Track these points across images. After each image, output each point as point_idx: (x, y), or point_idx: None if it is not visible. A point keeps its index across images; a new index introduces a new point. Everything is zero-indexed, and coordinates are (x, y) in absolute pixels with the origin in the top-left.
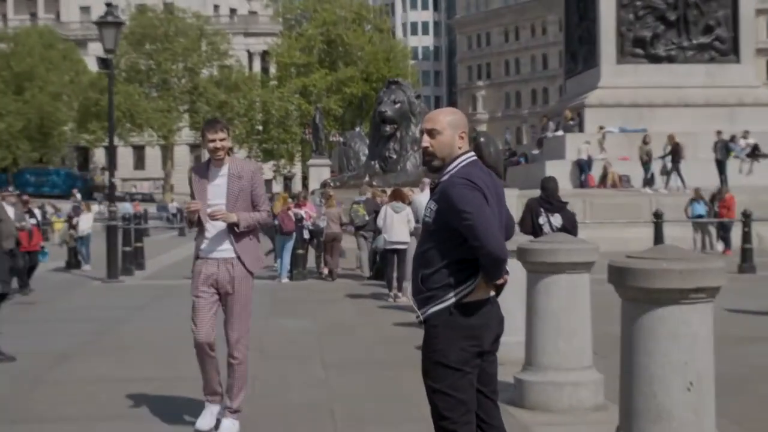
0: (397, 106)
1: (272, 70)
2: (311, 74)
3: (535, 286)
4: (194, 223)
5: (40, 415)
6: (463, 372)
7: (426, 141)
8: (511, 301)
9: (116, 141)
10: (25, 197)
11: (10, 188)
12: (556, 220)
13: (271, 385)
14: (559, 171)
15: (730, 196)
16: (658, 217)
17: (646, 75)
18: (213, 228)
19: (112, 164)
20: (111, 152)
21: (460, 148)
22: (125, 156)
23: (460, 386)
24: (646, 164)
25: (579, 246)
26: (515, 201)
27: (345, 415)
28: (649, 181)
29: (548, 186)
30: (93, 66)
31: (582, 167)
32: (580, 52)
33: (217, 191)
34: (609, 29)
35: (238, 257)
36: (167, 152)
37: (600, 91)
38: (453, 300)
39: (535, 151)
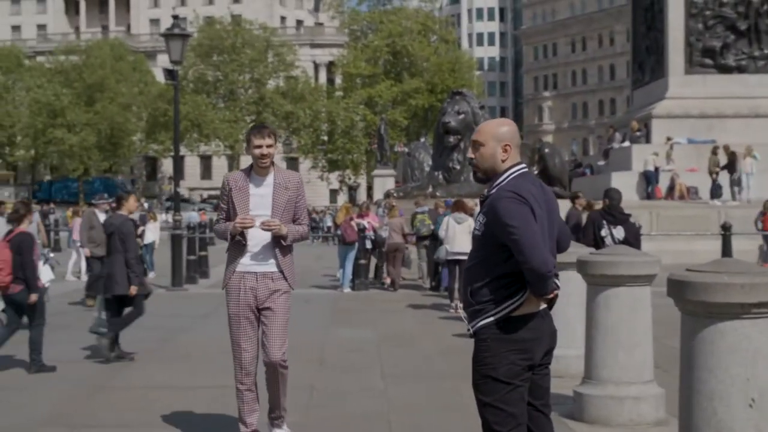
0: (461, 116)
1: (338, 81)
2: (376, 85)
3: (595, 299)
4: (235, 236)
5: (99, 421)
6: (513, 385)
7: (471, 152)
8: (571, 313)
9: (183, 151)
10: (114, 205)
11: (104, 196)
12: (619, 232)
13: (329, 395)
14: (626, 182)
15: None
16: (726, 230)
17: (715, 85)
18: (254, 239)
19: (177, 173)
20: (177, 162)
21: (503, 161)
22: (192, 165)
23: (509, 400)
24: (714, 176)
25: (640, 258)
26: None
27: (402, 426)
28: (716, 193)
29: (613, 197)
30: (161, 77)
31: (649, 179)
32: (648, 63)
33: (260, 202)
34: (677, 39)
35: (281, 271)
36: (233, 162)
37: (668, 101)
38: (502, 313)
39: (601, 162)
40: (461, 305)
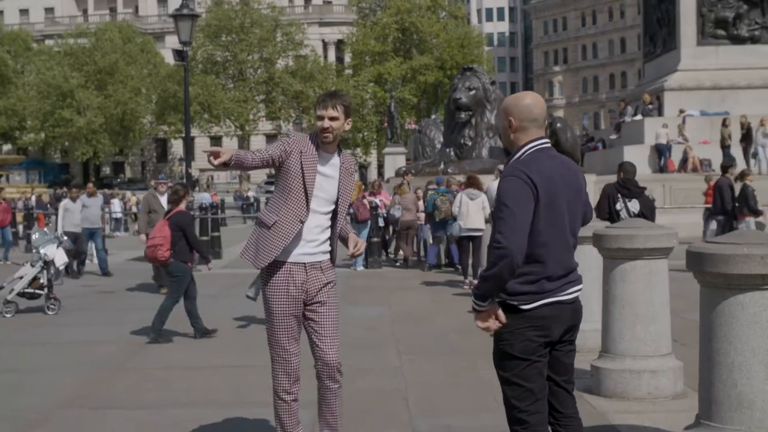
0: (472, 92)
1: (347, 59)
2: (386, 63)
3: (611, 273)
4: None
5: (118, 403)
6: (530, 361)
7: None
8: (588, 287)
9: (193, 132)
10: (170, 184)
11: (161, 176)
12: (634, 205)
13: (345, 372)
14: (638, 156)
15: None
16: None
17: (728, 56)
18: (305, 220)
19: (188, 155)
20: (187, 143)
21: (512, 135)
22: (203, 146)
23: (527, 375)
24: (726, 148)
25: (657, 231)
26: (593, 187)
27: (419, 403)
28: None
29: (627, 170)
30: (170, 59)
31: (661, 152)
32: (659, 35)
33: (325, 183)
34: (689, 10)
35: (331, 260)
36: (244, 142)
37: (680, 74)
38: (517, 291)
39: (613, 136)
40: (475, 281)
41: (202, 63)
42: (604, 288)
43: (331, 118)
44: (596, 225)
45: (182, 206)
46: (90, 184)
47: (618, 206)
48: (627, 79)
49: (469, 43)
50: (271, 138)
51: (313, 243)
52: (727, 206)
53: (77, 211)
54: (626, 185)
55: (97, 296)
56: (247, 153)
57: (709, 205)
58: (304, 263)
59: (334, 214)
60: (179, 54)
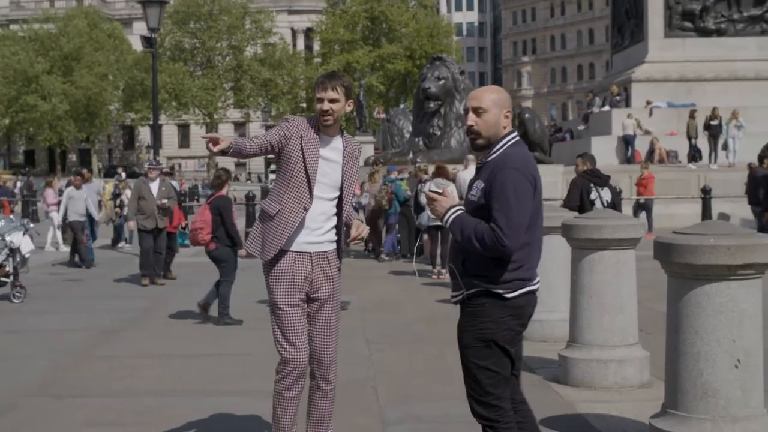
0: (441, 82)
1: (316, 47)
2: (355, 51)
3: (579, 263)
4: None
5: (86, 390)
6: (508, 350)
7: (471, 119)
8: (555, 277)
9: (161, 120)
10: (166, 170)
11: (153, 162)
12: (606, 194)
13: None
14: (606, 147)
15: (649, 174)
16: (705, 193)
17: (695, 49)
18: (309, 207)
19: (156, 143)
20: (155, 130)
21: (504, 127)
22: (170, 134)
23: (504, 364)
24: (692, 139)
25: (624, 222)
26: (560, 177)
27: (388, 391)
28: (695, 157)
29: (593, 159)
30: (138, 45)
31: (628, 143)
32: (627, 26)
33: (328, 168)
34: (657, 2)
35: (337, 250)
36: (212, 130)
37: (647, 65)
38: (503, 279)
39: (581, 127)
40: (444, 271)
41: (170, 50)
42: (572, 278)
43: (331, 100)
44: (565, 215)
45: (224, 191)
46: (86, 171)
47: (592, 196)
48: (595, 71)
49: (438, 32)
50: (239, 126)
51: (318, 231)
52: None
53: (81, 199)
54: (597, 174)
55: (65, 284)
56: (245, 140)
57: (640, 197)
58: (310, 253)
59: (340, 201)
60: (147, 41)
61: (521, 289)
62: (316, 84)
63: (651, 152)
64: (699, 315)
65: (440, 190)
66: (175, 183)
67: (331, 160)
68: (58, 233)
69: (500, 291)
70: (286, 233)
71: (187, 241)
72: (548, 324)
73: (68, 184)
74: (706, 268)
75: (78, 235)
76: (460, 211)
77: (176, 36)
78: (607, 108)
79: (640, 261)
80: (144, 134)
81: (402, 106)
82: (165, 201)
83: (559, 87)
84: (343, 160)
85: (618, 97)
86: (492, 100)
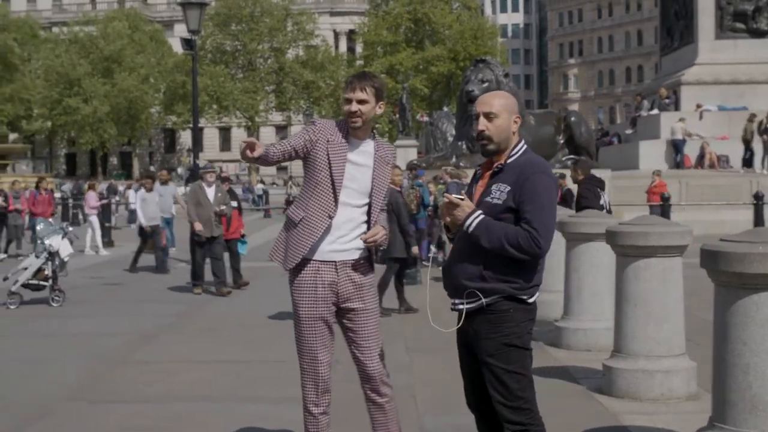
0: (485, 85)
1: (358, 49)
2: (398, 53)
3: (624, 270)
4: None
5: (120, 396)
6: (531, 352)
7: (482, 124)
8: (600, 285)
9: (202, 122)
10: (224, 174)
11: (210, 165)
12: (606, 199)
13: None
14: (654, 151)
15: (661, 182)
16: (758, 199)
17: (747, 50)
18: (334, 215)
19: (196, 146)
20: (196, 134)
21: (514, 133)
22: (211, 138)
23: (528, 366)
24: (748, 143)
25: (672, 229)
26: (608, 183)
27: (427, 400)
28: (750, 162)
29: (592, 166)
30: (178, 48)
31: (677, 147)
32: (677, 28)
33: (356, 174)
34: (707, 3)
35: (367, 257)
36: (253, 134)
37: (697, 67)
38: (528, 284)
39: (629, 131)
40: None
41: (211, 53)
42: (617, 286)
43: (360, 101)
44: (609, 221)
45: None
46: (164, 171)
47: (602, 201)
48: (643, 73)
49: (482, 34)
50: (280, 129)
51: (344, 238)
52: None
53: (154, 202)
54: (599, 179)
55: (104, 288)
56: (269, 147)
57: (655, 203)
58: (335, 261)
59: (370, 208)
60: (188, 43)
61: (537, 293)
62: (345, 84)
63: (701, 157)
64: (747, 325)
65: (462, 196)
66: (170, 188)
67: (360, 164)
68: (98, 236)
69: (524, 296)
70: (309, 241)
71: (243, 250)
72: (592, 333)
73: (139, 187)
74: (755, 277)
75: (156, 239)
76: (482, 216)
77: (217, 38)
78: (655, 111)
79: (686, 268)
80: (185, 137)
81: (445, 109)
82: (223, 207)
83: (607, 90)
84: (374, 164)
85: (667, 100)
86: (502, 104)
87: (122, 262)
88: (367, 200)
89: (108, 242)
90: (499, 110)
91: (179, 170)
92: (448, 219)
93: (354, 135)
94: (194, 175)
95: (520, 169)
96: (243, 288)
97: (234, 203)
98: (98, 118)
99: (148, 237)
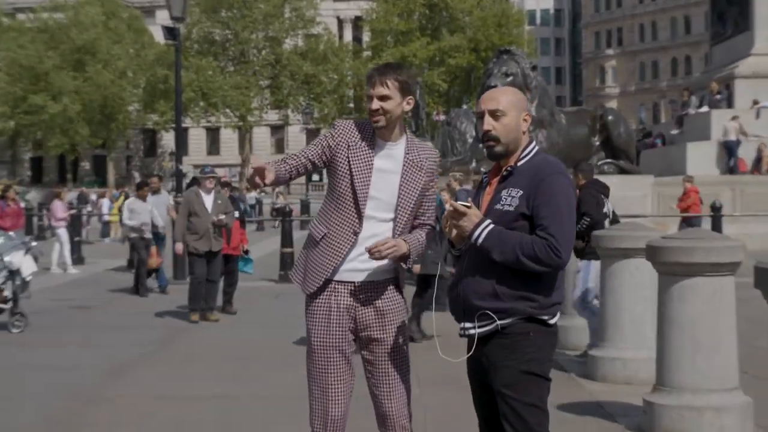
0: (509, 79)
1: (366, 38)
2: (410, 43)
3: (667, 291)
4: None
5: None
6: (549, 382)
7: (488, 124)
8: (640, 308)
9: (187, 122)
10: (225, 179)
11: (208, 169)
12: (609, 206)
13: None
14: (704, 154)
15: (692, 188)
16: None
17: None
18: (360, 231)
19: (180, 148)
20: (179, 135)
21: (524, 133)
22: (197, 139)
23: (546, 398)
24: None
25: (721, 243)
26: (650, 190)
27: None
28: None
29: (592, 171)
30: (160, 37)
31: (731, 149)
32: (730, 14)
33: (382, 181)
34: None
35: (394, 279)
36: (245, 134)
37: (753, 58)
38: (548, 303)
39: (675, 131)
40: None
41: (197, 43)
42: (659, 309)
43: (381, 98)
44: (650, 235)
45: None
46: (155, 179)
47: (605, 209)
48: (692, 65)
49: (507, 21)
50: (276, 130)
51: (365, 256)
52: None
53: (146, 211)
54: (603, 185)
55: (71, 312)
56: (280, 165)
57: (689, 213)
58: (353, 282)
59: (395, 224)
60: (170, 32)
61: (558, 313)
62: (366, 79)
63: (758, 160)
64: None
65: (469, 203)
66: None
67: (387, 171)
68: (67, 252)
69: (545, 317)
70: (332, 262)
71: (249, 268)
72: (632, 364)
73: (119, 196)
74: None
75: (142, 254)
76: (492, 225)
77: (205, 27)
78: (705, 109)
79: (739, 289)
80: (167, 139)
81: (464, 106)
82: (222, 217)
83: (650, 84)
84: (404, 169)
85: (718, 96)
86: (510, 101)
87: (93, 282)
88: (410, 219)
89: (78, 259)
90: (507, 107)
91: (200, 174)
92: (453, 231)
93: (380, 136)
94: (196, 180)
95: (534, 171)
96: (228, 313)
97: (236, 213)
98: (68, 117)
99: (140, 249)
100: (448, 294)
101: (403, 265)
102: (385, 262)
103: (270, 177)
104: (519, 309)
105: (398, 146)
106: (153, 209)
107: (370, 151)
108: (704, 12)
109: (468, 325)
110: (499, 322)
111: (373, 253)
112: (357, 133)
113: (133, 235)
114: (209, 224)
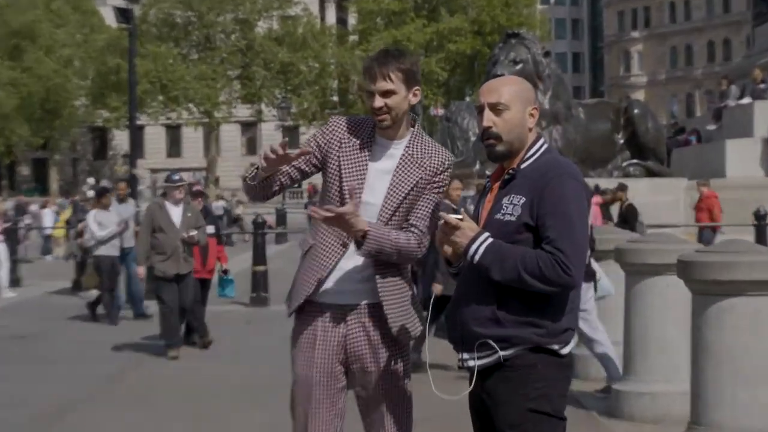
0: (518, 67)
1: (351, 20)
2: (404, 26)
3: (703, 314)
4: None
5: None
6: (564, 422)
7: (488, 119)
8: (672, 334)
9: (143, 119)
10: (197, 188)
11: (175, 175)
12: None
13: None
14: (745, 153)
15: (710, 192)
16: None
17: None
18: (349, 241)
19: (136, 149)
20: (134, 134)
21: (531, 129)
22: (155, 139)
23: None
24: None
25: (765, 258)
26: (683, 195)
27: None
28: None
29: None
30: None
31: None
32: None
33: (377, 182)
34: None
35: (383, 305)
36: (212, 132)
37: None
38: (558, 329)
39: (712, 126)
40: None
41: (155, 26)
42: (693, 335)
43: (385, 93)
44: (682, 248)
45: None
46: (122, 184)
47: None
48: (731, 49)
49: (515, 0)
50: (247, 128)
51: (358, 275)
52: None
53: (112, 224)
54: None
55: (7, 342)
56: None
57: (707, 223)
58: (342, 305)
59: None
60: (123, 14)
61: (572, 340)
62: (363, 70)
63: None
64: None
65: (461, 215)
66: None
67: (387, 172)
68: (4, 273)
69: (555, 346)
70: (316, 277)
71: (230, 291)
72: (662, 399)
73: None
74: None
75: (112, 277)
76: (491, 239)
77: (164, 7)
78: (747, 100)
79: None
80: (120, 139)
81: (467, 99)
82: (194, 233)
83: (682, 72)
84: (398, 165)
85: (763, 85)
86: (514, 92)
87: (32, 307)
88: (395, 222)
89: (14, 280)
90: (510, 100)
91: (104, 183)
92: (447, 248)
93: (384, 135)
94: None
95: (539, 173)
96: (204, 346)
97: (211, 228)
98: (3, 113)
99: (102, 271)
100: (445, 319)
101: (356, 252)
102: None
103: (282, 150)
104: (524, 337)
105: (402, 143)
106: (129, 220)
107: (366, 150)
108: None
109: (466, 356)
110: (501, 353)
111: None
112: (351, 129)
113: (103, 253)
114: (178, 242)
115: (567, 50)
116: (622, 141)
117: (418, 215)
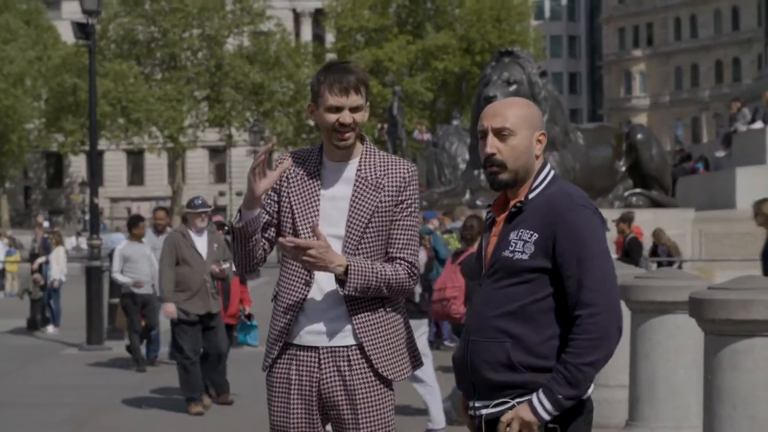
0: (512, 88)
1: (329, 37)
2: (386, 43)
3: (716, 356)
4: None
5: None
6: None
7: (492, 145)
8: (681, 377)
9: (102, 144)
10: (218, 218)
11: (199, 200)
12: None
13: None
14: (757, 181)
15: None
16: None
17: None
18: (311, 279)
19: (95, 177)
20: (93, 160)
21: (538, 157)
22: (115, 165)
23: None
24: None
25: None
26: (690, 228)
27: None
28: None
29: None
30: (69, 36)
31: None
32: None
33: (334, 210)
34: None
35: (360, 346)
36: (177, 158)
37: None
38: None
39: (721, 153)
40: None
41: (115, 43)
42: (705, 378)
43: (354, 108)
44: (693, 284)
45: (475, 246)
46: (161, 212)
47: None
48: (741, 69)
49: (508, 15)
50: (216, 154)
51: (330, 313)
52: None
53: (144, 259)
54: None
55: None
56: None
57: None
58: (317, 348)
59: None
60: (82, 29)
61: (593, 385)
62: (321, 83)
63: None
64: None
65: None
66: (121, 237)
67: (342, 198)
68: None
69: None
70: (281, 323)
71: (253, 338)
72: None
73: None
74: None
75: (151, 316)
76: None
77: (125, 23)
78: (759, 124)
79: None
80: (77, 165)
81: (455, 122)
82: (225, 266)
83: (688, 94)
84: (354, 190)
85: None
86: (521, 117)
87: None
88: (363, 254)
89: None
90: (517, 125)
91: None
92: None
93: (333, 158)
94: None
95: (549, 205)
96: (224, 403)
97: (226, 264)
98: None
99: (133, 311)
100: (453, 362)
101: (341, 289)
102: (360, 320)
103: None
104: (540, 384)
105: (352, 164)
106: (152, 254)
107: (316, 177)
108: (756, 3)
109: (478, 404)
110: (515, 401)
111: (284, 243)
112: (298, 160)
113: (144, 291)
114: (206, 276)
115: (563, 70)
116: (624, 169)
117: (399, 246)
